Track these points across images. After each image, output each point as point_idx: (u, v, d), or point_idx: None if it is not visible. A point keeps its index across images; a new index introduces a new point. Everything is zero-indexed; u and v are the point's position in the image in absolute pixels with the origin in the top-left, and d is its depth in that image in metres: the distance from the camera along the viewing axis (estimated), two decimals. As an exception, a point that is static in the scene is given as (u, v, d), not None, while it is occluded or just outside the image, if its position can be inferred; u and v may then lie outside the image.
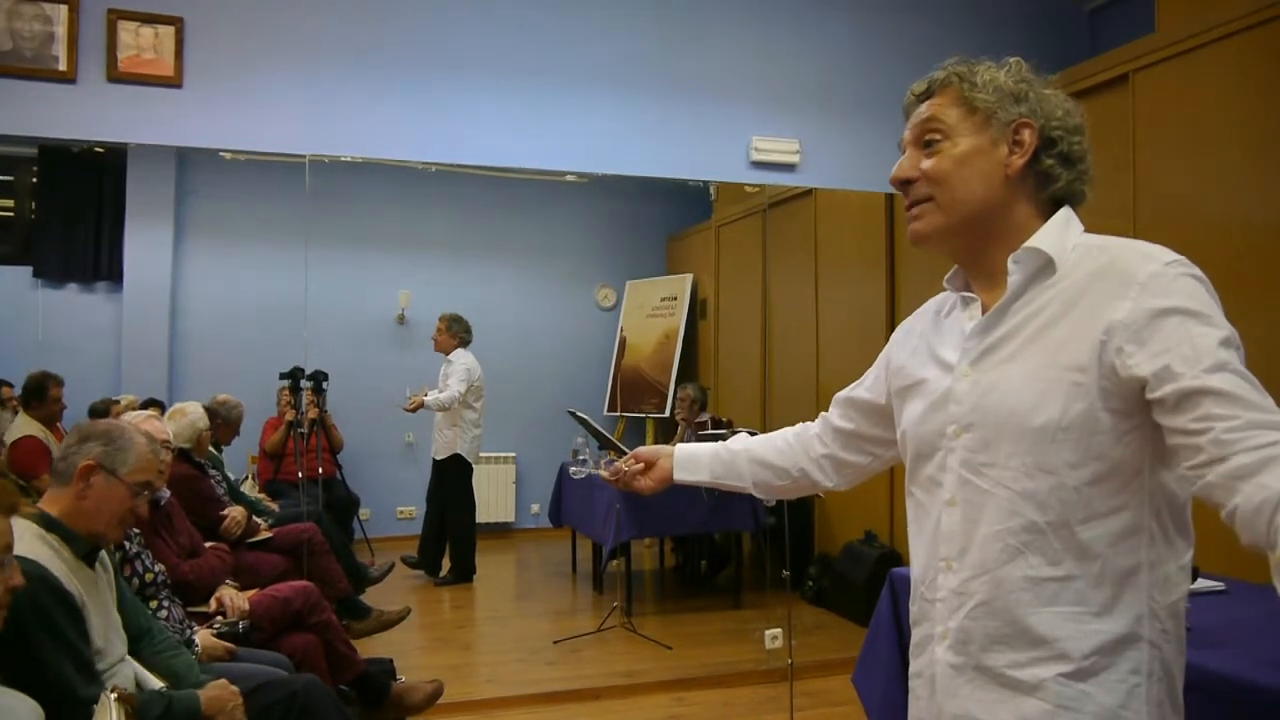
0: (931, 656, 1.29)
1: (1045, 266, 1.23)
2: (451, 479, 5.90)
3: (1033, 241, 1.23)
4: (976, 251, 1.29)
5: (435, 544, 5.96)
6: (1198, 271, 1.15)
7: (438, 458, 5.93)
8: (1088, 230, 1.27)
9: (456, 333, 5.95)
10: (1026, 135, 1.24)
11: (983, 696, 1.21)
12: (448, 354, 5.96)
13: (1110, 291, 1.15)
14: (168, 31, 3.61)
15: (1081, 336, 1.15)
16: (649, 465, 1.69)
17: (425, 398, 5.81)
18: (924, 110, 1.29)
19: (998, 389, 1.21)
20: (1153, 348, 1.10)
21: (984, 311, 1.28)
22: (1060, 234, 1.24)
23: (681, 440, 6.05)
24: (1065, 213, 1.26)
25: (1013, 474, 1.18)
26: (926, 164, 1.27)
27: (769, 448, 1.62)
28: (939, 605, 1.27)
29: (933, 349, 1.35)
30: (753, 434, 1.73)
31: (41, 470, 3.80)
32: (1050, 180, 1.26)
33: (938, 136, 1.27)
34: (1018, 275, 1.23)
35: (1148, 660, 1.16)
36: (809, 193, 5.46)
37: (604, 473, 1.69)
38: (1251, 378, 1.07)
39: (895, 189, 1.32)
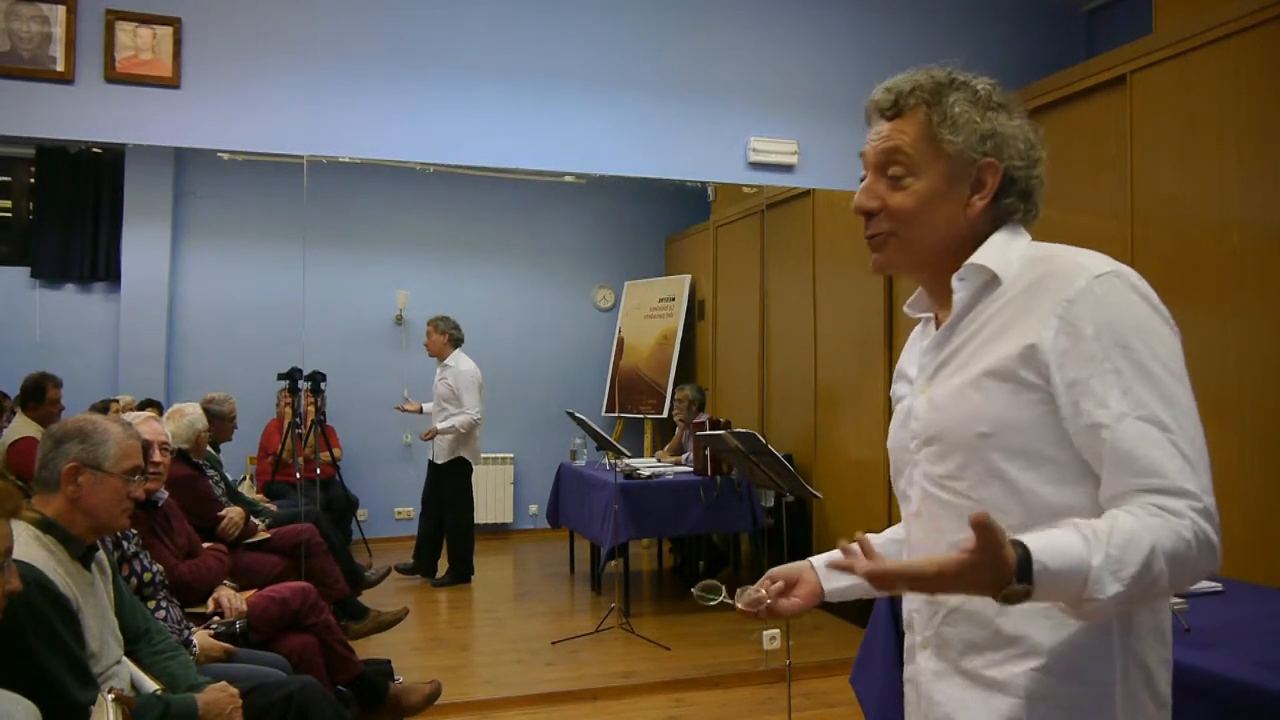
0: (917, 665, 1.32)
1: (990, 281, 1.24)
2: (453, 480, 5.89)
3: (975, 258, 1.25)
4: (934, 276, 1.32)
5: (431, 546, 5.93)
6: (1132, 278, 1.16)
7: (438, 461, 5.91)
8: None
9: (446, 330, 5.92)
10: (990, 178, 1.25)
11: (961, 697, 1.24)
12: (443, 357, 5.94)
13: (1045, 306, 1.17)
14: (165, 32, 3.61)
15: (1017, 347, 1.17)
16: (790, 584, 1.51)
17: (440, 425, 5.81)
18: (889, 134, 1.28)
19: (946, 402, 1.24)
20: (1070, 373, 1.13)
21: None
22: (1004, 247, 1.25)
23: (680, 441, 6.07)
24: (1009, 229, 1.28)
25: (968, 483, 1.21)
26: (892, 200, 1.27)
27: (898, 530, 1.52)
28: (917, 615, 1.31)
29: (904, 369, 1.40)
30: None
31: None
32: (1008, 214, 1.27)
33: (901, 171, 1.26)
34: (962, 292, 1.26)
35: (1120, 653, 1.17)
36: (807, 194, 5.46)
37: (740, 604, 1.49)
38: (1159, 411, 1.10)
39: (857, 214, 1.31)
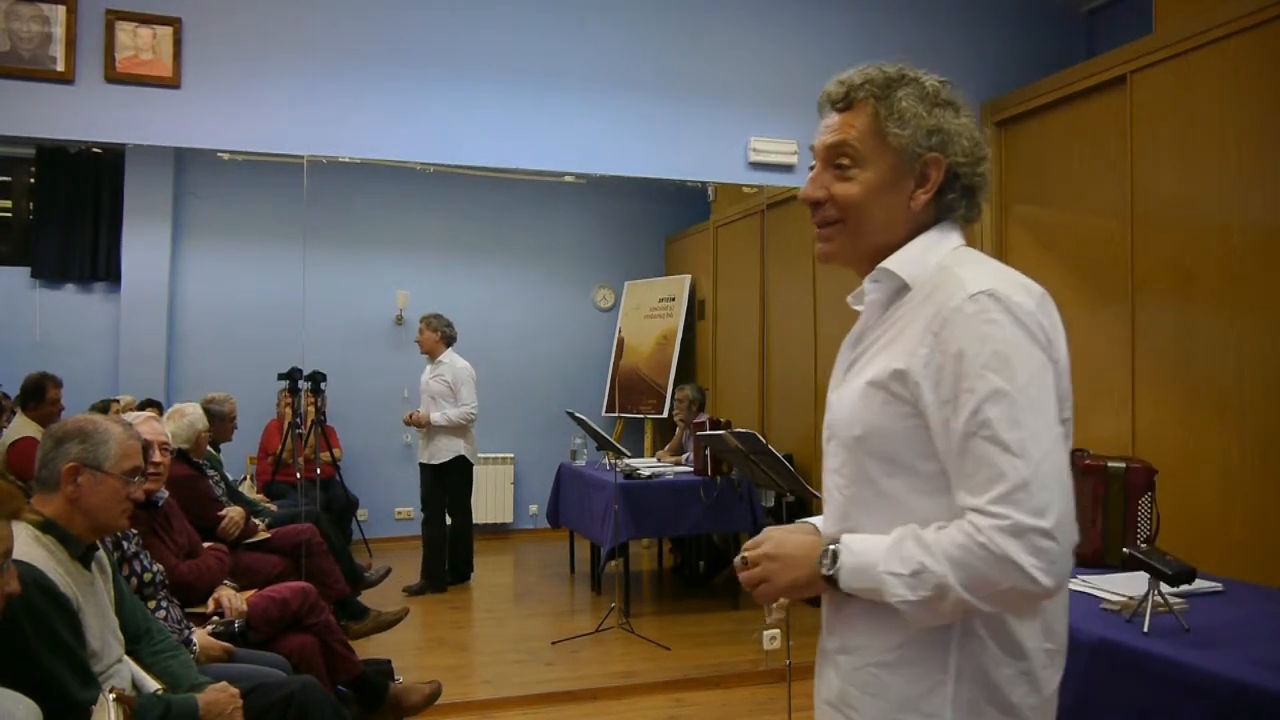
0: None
1: (903, 286, 1.27)
2: (457, 481, 5.86)
3: (888, 263, 1.27)
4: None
5: (439, 555, 5.78)
6: (1010, 297, 1.16)
7: (435, 462, 5.81)
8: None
9: (439, 328, 5.88)
10: (933, 173, 1.27)
11: (828, 678, 1.33)
12: (435, 355, 5.90)
13: (926, 321, 1.19)
14: (166, 32, 3.61)
15: (897, 358, 1.20)
16: None
17: (434, 416, 5.76)
18: (836, 127, 1.30)
19: (846, 401, 1.28)
20: (942, 391, 1.16)
21: None
22: (923, 253, 1.27)
23: (680, 441, 6.06)
24: (937, 230, 1.29)
25: (845, 481, 1.27)
26: (837, 189, 1.30)
27: None
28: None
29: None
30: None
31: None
32: (950, 210, 1.30)
33: (847, 162, 1.29)
34: (875, 294, 1.29)
35: (955, 661, 1.20)
36: (807, 193, 5.46)
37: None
38: (1002, 433, 1.11)
39: (804, 204, 1.34)
